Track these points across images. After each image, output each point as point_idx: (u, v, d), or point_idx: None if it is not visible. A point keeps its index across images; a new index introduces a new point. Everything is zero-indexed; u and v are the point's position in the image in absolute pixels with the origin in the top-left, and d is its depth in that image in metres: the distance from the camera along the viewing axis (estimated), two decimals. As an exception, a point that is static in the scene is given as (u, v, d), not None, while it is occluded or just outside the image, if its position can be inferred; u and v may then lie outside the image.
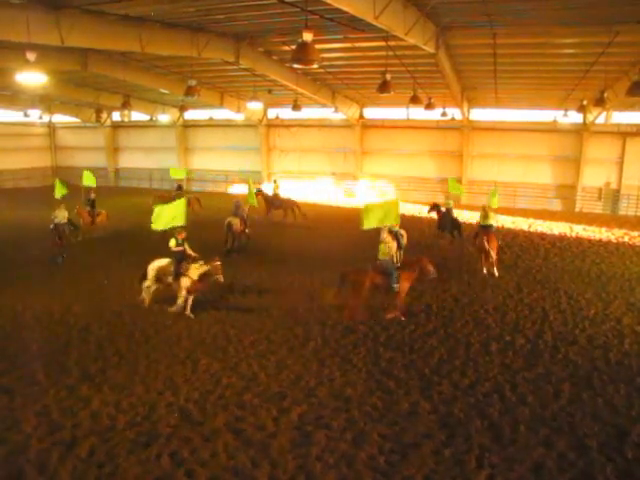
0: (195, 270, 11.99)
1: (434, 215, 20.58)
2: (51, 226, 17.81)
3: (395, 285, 11.87)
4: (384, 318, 11.89)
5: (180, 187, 24.77)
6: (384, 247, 12.41)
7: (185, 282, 11.94)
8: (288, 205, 23.61)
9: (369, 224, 12.59)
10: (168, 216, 12.48)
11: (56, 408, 7.95)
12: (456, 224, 19.53)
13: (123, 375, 9.09)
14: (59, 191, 19.80)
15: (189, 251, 12.49)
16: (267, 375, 9.15)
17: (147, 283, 12.38)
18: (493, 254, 15.47)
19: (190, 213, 22.09)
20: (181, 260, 12.15)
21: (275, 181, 25.69)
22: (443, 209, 19.92)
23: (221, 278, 12.03)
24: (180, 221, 12.47)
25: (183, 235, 12.34)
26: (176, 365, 9.49)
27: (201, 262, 12.16)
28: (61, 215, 17.79)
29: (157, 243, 18.67)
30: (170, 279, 12.11)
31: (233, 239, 18.19)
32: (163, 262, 12.32)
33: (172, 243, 12.28)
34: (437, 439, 7.30)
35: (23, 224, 23.11)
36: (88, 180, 22.49)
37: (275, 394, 8.49)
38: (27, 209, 26.89)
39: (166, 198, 21.02)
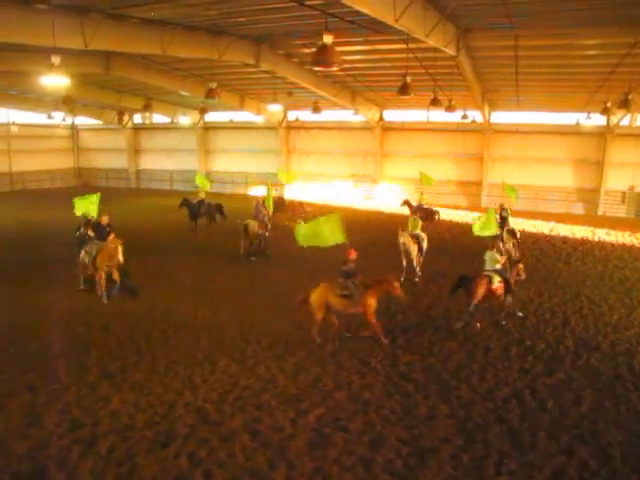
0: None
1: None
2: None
3: None
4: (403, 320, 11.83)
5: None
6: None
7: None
8: (431, 216, 22.63)
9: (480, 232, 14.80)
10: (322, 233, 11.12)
11: (77, 406, 8.06)
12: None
13: (142, 375, 9.18)
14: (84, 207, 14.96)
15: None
16: (285, 377, 9.16)
17: None
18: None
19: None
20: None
21: (422, 192, 24.63)
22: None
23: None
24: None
25: None
26: (195, 366, 9.55)
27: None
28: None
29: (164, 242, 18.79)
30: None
31: (251, 242, 18.12)
32: None
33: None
34: (455, 444, 7.23)
35: (47, 224, 23.51)
36: None
37: (293, 396, 8.50)
38: (50, 210, 27.33)
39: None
